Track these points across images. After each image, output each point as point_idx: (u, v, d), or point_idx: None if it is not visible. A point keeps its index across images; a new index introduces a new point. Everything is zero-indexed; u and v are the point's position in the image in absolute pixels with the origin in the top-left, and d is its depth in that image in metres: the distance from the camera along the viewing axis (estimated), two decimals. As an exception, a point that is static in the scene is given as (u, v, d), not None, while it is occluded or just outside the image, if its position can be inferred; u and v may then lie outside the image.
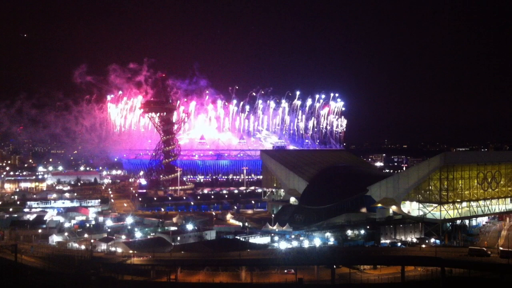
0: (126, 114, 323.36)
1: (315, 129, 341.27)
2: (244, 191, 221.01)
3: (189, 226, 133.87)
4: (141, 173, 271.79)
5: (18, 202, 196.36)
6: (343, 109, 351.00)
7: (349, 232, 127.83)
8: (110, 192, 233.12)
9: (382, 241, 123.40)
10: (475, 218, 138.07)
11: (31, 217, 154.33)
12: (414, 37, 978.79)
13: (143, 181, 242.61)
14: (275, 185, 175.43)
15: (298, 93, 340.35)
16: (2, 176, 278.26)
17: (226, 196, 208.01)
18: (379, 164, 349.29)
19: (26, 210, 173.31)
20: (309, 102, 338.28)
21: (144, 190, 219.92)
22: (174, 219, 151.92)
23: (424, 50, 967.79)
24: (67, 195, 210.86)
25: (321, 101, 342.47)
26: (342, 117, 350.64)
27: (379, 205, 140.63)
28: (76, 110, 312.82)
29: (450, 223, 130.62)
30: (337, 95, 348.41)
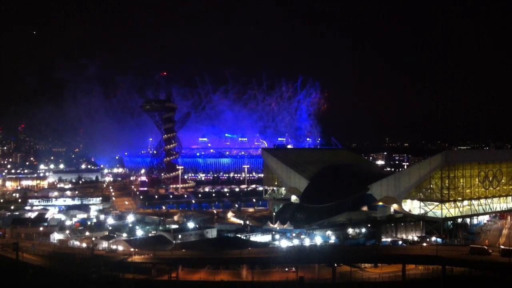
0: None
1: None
2: (245, 190, 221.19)
3: (190, 224, 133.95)
4: (143, 171, 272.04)
5: (19, 200, 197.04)
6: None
7: (350, 231, 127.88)
8: (111, 190, 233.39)
9: (383, 239, 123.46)
10: (476, 217, 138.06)
11: (33, 215, 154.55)
12: (414, 35, 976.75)
13: (144, 179, 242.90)
14: (276, 183, 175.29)
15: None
16: (4, 174, 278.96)
17: (227, 194, 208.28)
18: (380, 162, 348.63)
19: (27, 208, 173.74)
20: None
21: (145, 188, 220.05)
22: (175, 217, 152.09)
23: (425, 48, 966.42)
24: (68, 193, 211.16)
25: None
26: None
27: (380, 203, 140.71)
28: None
29: (451, 222, 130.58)
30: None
